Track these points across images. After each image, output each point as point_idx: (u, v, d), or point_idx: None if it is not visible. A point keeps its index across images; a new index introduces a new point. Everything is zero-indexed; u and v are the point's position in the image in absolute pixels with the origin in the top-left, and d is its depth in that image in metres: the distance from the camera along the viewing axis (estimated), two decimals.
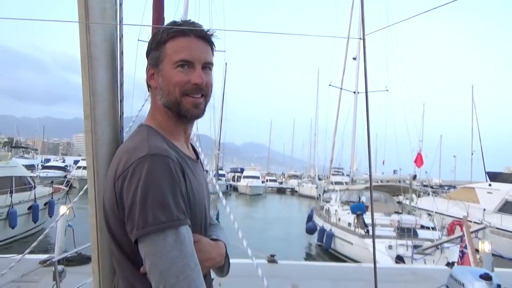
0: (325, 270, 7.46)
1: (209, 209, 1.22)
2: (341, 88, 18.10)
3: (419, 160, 16.40)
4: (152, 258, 0.93)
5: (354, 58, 18.31)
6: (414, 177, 13.20)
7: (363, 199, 14.69)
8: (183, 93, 1.09)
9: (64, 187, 17.06)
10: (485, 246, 5.93)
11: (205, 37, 1.13)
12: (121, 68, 1.25)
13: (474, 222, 11.90)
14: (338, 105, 18.12)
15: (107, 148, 1.19)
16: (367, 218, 11.22)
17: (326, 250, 12.60)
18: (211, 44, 1.15)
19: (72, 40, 1.31)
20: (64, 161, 56.17)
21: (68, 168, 45.10)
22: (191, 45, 1.11)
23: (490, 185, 15.67)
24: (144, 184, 0.95)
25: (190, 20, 1.15)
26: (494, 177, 16.57)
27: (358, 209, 11.37)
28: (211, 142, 33.48)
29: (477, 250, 5.95)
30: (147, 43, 1.17)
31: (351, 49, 18.58)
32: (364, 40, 1.76)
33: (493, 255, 10.05)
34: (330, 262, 10.73)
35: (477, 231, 11.00)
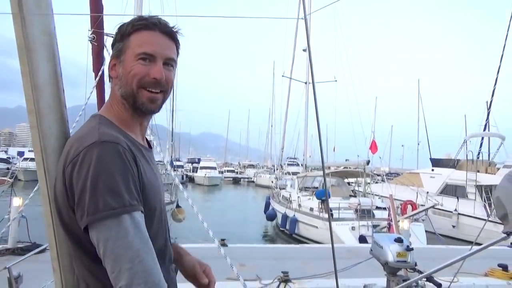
0: (269, 251, 8.17)
1: (164, 198, 1.21)
2: (290, 79, 18.53)
3: (373, 147, 17.29)
4: (106, 244, 0.92)
5: (304, 50, 18.78)
6: (368, 162, 13.85)
7: (316, 184, 15.24)
8: (140, 85, 1.08)
9: (8, 179, 16.16)
10: (404, 225, 7.12)
11: (170, 34, 1.13)
12: (58, 59, 1.19)
13: (420, 205, 12.77)
14: (288, 95, 18.61)
15: (56, 143, 1.14)
16: (330, 203, 11.72)
17: (290, 235, 12.96)
18: (176, 42, 1.14)
19: (8, 23, 1.21)
20: (6, 153, 52.96)
21: (11, 159, 42.68)
22: (155, 39, 1.10)
23: (432, 170, 16.80)
24: (94, 171, 0.93)
25: (157, 16, 1.15)
26: (436, 163, 17.77)
27: (323, 195, 11.82)
28: (166, 131, 32.95)
29: None
30: (114, 36, 1.15)
31: (302, 41, 18.98)
32: (306, 20, 1.74)
33: (426, 231, 10.92)
34: (274, 244, 11.47)
35: (427, 209, 11.84)
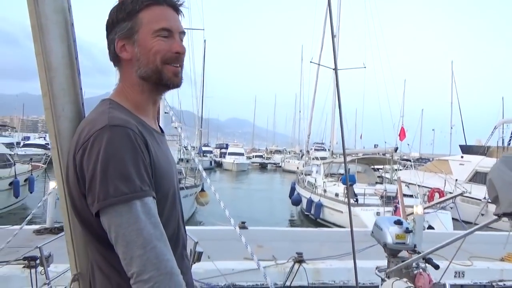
0: (287, 233, 8.45)
1: (178, 182, 1.21)
2: (319, 65, 18.42)
3: (402, 134, 17.18)
4: (117, 230, 0.92)
5: (334, 36, 18.55)
6: (396, 149, 13.79)
7: (342, 171, 15.31)
8: (164, 61, 1.06)
9: (42, 165, 17.08)
10: (418, 210, 7.19)
11: (175, 6, 1.11)
12: (74, 40, 1.17)
13: (449, 193, 12.65)
14: (316, 81, 18.51)
15: (69, 125, 1.12)
16: (356, 189, 11.83)
17: (315, 220, 13.21)
18: (180, 13, 1.13)
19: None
20: (45, 139, 55.21)
21: (49, 145, 44.40)
22: (168, 14, 1.08)
23: (462, 157, 16.45)
24: (104, 156, 0.92)
25: None
26: (466, 149, 17.35)
27: (349, 180, 11.98)
28: (195, 118, 33.49)
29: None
30: (109, 15, 1.10)
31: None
32: (329, 4, 1.73)
33: (454, 219, 10.83)
34: (293, 227, 11.80)
35: (454, 197, 11.74)
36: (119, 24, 1.07)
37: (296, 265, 5.69)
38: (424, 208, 9.37)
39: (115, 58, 1.11)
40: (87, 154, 0.94)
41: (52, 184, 6.92)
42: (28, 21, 1.07)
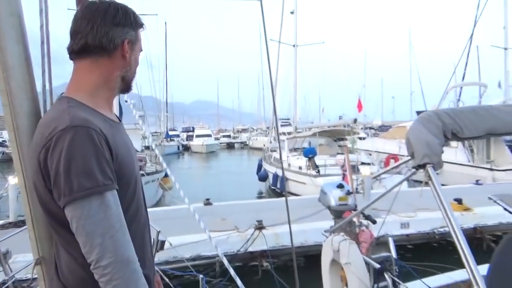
0: (249, 206, 8.94)
1: (138, 168, 1.30)
2: (279, 42, 18.52)
3: (359, 106, 17.82)
4: (78, 222, 0.99)
5: (292, 12, 18.68)
6: (355, 121, 14.31)
7: (305, 145, 15.76)
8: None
9: None
10: (365, 171, 7.99)
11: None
12: (47, 41, 1.29)
13: (404, 156, 13.32)
14: (278, 59, 18.64)
15: (28, 121, 1.20)
16: (317, 160, 12.24)
17: (281, 193, 13.59)
18: None
19: None
20: (1, 135, 52.69)
21: (6, 143, 42.64)
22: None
23: None
24: (67, 155, 0.99)
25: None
26: None
27: (310, 153, 12.37)
28: (157, 102, 32.91)
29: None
30: (118, 15, 1.17)
31: (289, 3, 18.82)
32: None
33: (409, 180, 11.52)
34: (255, 200, 12.25)
35: (407, 161, 12.34)
36: (128, 28, 1.19)
37: (257, 232, 6.16)
38: (380, 174, 9.95)
39: (110, 50, 1.16)
40: (50, 154, 1.00)
41: (12, 180, 6.89)
42: None
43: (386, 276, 2.18)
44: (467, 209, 7.53)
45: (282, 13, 18.49)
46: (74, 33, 1.15)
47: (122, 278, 1.00)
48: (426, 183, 1.52)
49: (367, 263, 2.21)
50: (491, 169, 12.48)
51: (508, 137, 16.44)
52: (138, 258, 1.07)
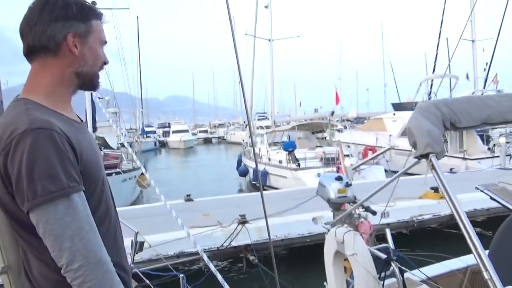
0: (231, 200, 8.85)
1: (103, 167, 1.26)
2: (255, 36, 18.54)
3: (336, 98, 18.07)
4: (45, 226, 0.96)
5: (266, 7, 18.72)
6: (332, 113, 14.47)
7: (284, 139, 15.88)
8: (100, 68, 1.20)
9: None
10: (346, 163, 8.01)
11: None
12: None
13: (382, 147, 13.66)
14: (254, 53, 18.69)
15: None
16: (297, 154, 12.36)
17: (262, 187, 13.62)
18: None
19: None
20: None
21: None
22: (103, 29, 1.22)
23: (394, 114, 17.67)
24: (29, 158, 0.95)
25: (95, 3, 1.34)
26: (397, 107, 18.61)
27: (289, 147, 12.48)
28: (131, 99, 32.29)
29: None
30: (55, 9, 1.09)
31: None
32: None
33: (387, 171, 11.77)
34: (237, 194, 12.15)
35: (383, 152, 12.70)
36: (71, 21, 1.11)
37: (240, 226, 6.14)
38: (359, 165, 10.16)
39: (52, 48, 1.09)
40: (10, 158, 0.96)
41: None
42: None
43: (393, 266, 2.18)
44: (443, 197, 7.78)
45: (256, 7, 18.50)
46: (20, 35, 1.11)
47: (95, 280, 0.97)
48: (408, 174, 1.55)
49: (372, 254, 2.23)
50: (464, 158, 12.93)
51: (479, 128, 17.11)
52: (112, 259, 1.05)
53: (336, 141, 14.87)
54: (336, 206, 3.05)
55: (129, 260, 3.57)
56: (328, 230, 2.77)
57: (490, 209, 7.20)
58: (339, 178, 3.03)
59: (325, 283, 2.86)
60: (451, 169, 11.43)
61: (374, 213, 2.95)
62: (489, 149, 13.37)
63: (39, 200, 0.95)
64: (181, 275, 2.64)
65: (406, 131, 1.79)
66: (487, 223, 7.36)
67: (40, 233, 0.97)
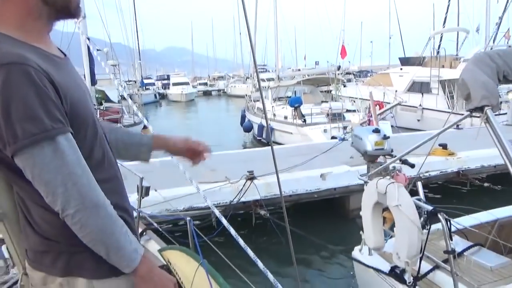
0: (238, 155, 8.77)
1: (93, 107, 1.16)
2: None
3: (343, 52, 17.51)
4: (33, 171, 0.90)
5: None
6: (338, 67, 14.15)
7: (289, 94, 15.65)
8: None
9: None
10: (354, 119, 8.72)
11: None
12: None
13: (388, 103, 13.52)
14: (256, 3, 17.91)
15: None
16: (303, 109, 12.22)
17: (267, 143, 13.68)
18: None
19: None
20: None
21: None
22: None
23: (401, 69, 17.33)
24: (3, 99, 0.86)
25: None
26: (404, 61, 18.20)
27: (296, 102, 12.30)
28: (127, 49, 31.46)
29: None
30: None
31: None
32: None
33: (394, 127, 11.84)
34: (244, 149, 12.02)
35: (392, 107, 12.60)
36: None
37: (248, 182, 6.14)
38: (364, 122, 10.08)
39: None
40: None
41: None
42: None
43: (440, 217, 2.18)
44: (451, 154, 7.79)
45: None
46: None
47: (95, 225, 0.94)
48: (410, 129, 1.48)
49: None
50: (470, 116, 12.81)
51: None
52: (113, 201, 1.01)
53: (337, 95, 14.70)
54: (372, 158, 3.07)
55: (136, 205, 3.53)
56: (365, 182, 2.82)
57: (497, 166, 7.28)
58: (376, 131, 3.04)
59: (361, 232, 2.92)
60: (457, 126, 11.40)
61: (412, 166, 2.97)
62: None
63: (21, 144, 0.88)
64: (188, 218, 2.60)
65: (459, 82, 1.72)
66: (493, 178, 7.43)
67: (29, 178, 0.92)
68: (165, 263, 2.80)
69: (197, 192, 3.41)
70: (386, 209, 2.52)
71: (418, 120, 14.57)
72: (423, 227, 2.22)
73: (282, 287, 2.23)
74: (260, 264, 2.48)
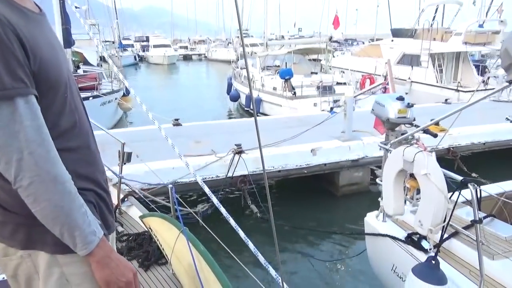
0: (224, 126, 8.35)
1: (69, 70, 1.07)
2: None
3: (336, 22, 16.99)
4: None
5: None
6: (330, 38, 13.74)
7: (278, 63, 15.19)
8: None
9: None
10: (348, 92, 7.82)
11: None
12: None
13: (377, 75, 13.31)
14: None
15: None
16: (292, 81, 11.87)
17: (256, 118, 13.31)
18: None
19: None
20: None
21: None
22: None
23: (392, 41, 17.03)
24: None
25: None
26: (396, 33, 17.89)
27: (286, 74, 11.88)
28: (104, 8, 29.82)
29: None
30: None
31: None
32: None
33: None
34: (229, 120, 11.56)
35: (381, 83, 12.37)
36: None
37: (236, 157, 5.89)
38: (357, 95, 9.85)
39: None
40: None
41: None
42: None
43: (470, 187, 2.19)
44: (443, 130, 7.70)
45: None
46: None
47: (50, 200, 0.87)
48: None
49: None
50: (457, 90, 12.82)
51: (476, 57, 16.79)
52: (84, 173, 0.97)
53: (328, 66, 14.37)
54: (393, 126, 3.01)
55: (118, 170, 3.50)
56: (387, 150, 2.85)
57: (487, 143, 7.35)
58: (400, 98, 2.95)
59: (379, 199, 2.97)
60: (446, 100, 11.38)
61: (435, 135, 3.00)
62: (483, 81, 13.26)
63: None
64: (170, 186, 2.54)
65: (501, 51, 1.63)
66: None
67: None
68: (146, 229, 2.70)
69: (187, 168, 3.24)
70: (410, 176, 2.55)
71: (406, 93, 14.47)
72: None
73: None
74: (251, 245, 2.47)
